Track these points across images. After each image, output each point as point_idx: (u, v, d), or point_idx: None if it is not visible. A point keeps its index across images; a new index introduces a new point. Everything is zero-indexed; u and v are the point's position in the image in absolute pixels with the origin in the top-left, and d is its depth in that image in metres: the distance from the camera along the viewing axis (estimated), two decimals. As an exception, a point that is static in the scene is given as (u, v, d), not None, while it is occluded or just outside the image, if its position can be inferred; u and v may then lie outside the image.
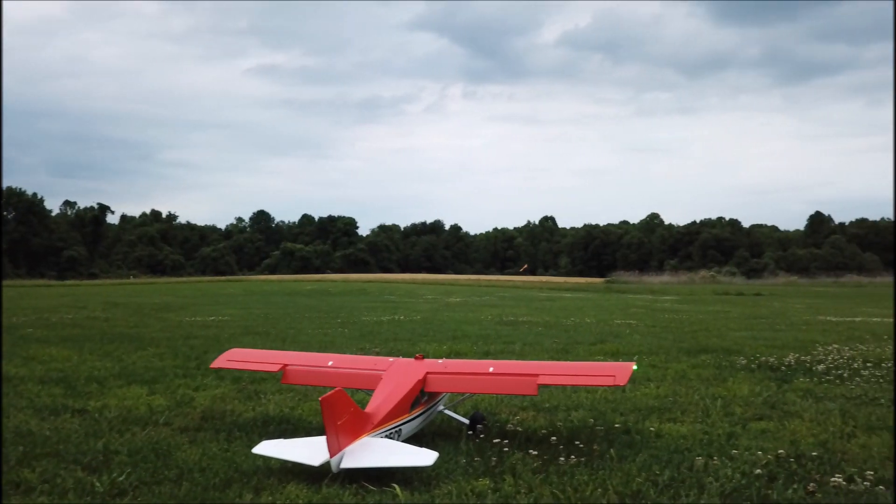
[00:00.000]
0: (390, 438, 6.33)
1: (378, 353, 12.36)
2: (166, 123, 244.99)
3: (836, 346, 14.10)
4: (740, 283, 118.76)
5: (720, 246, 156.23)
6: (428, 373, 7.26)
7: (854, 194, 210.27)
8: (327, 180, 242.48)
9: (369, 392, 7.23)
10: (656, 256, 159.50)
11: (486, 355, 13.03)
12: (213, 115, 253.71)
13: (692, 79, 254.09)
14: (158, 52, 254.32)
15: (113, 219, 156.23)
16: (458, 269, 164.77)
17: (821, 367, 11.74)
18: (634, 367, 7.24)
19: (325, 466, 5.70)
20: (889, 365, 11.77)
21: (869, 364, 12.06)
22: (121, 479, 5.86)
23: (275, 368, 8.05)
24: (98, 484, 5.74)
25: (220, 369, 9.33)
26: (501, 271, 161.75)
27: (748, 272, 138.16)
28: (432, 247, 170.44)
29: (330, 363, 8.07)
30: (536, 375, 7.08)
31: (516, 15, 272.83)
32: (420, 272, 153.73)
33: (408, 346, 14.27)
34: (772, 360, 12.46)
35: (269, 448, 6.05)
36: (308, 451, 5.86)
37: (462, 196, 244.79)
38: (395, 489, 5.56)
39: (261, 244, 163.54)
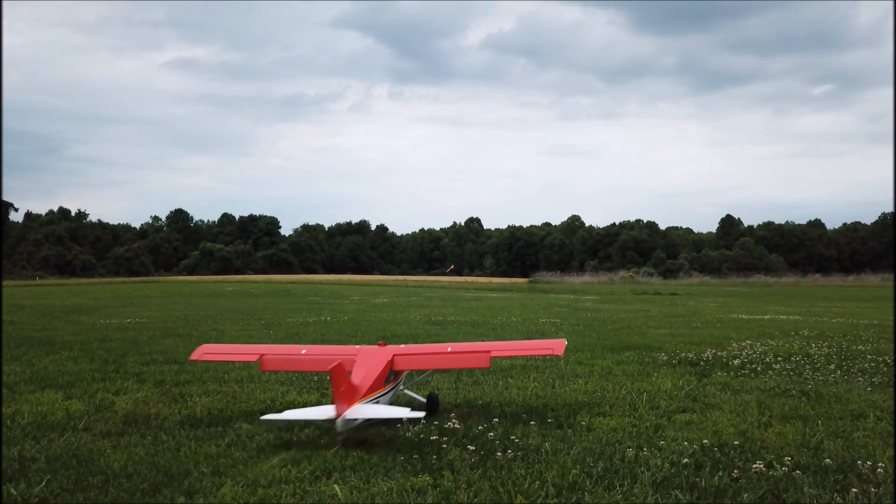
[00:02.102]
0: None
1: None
2: (76, 117, 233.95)
3: (748, 342, 14.86)
4: (657, 283, 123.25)
5: (638, 247, 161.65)
6: (395, 354, 8.26)
7: (761, 198, 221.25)
8: (248, 178, 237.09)
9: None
10: (577, 257, 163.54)
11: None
12: (126, 110, 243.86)
13: (612, 85, 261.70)
14: (68, 42, 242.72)
15: (17, 216, 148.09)
16: (385, 269, 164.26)
17: (736, 361, 12.34)
18: (566, 342, 8.62)
19: (332, 424, 6.78)
20: (798, 359, 12.48)
21: (780, 358, 12.72)
22: (39, 487, 5.56)
23: (253, 358, 8.72)
24: (14, 492, 5.43)
25: (138, 374, 9.41)
26: (428, 272, 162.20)
27: (665, 272, 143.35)
28: (358, 247, 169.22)
29: (303, 351, 8.92)
30: (489, 352, 8.23)
31: (441, 16, 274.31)
32: (345, 273, 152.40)
33: (338, 347, 14.21)
34: (691, 355, 13.01)
35: (276, 416, 7.07)
36: (316, 414, 7.03)
37: (388, 196, 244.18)
38: (335, 489, 5.51)
39: (178, 244, 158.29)
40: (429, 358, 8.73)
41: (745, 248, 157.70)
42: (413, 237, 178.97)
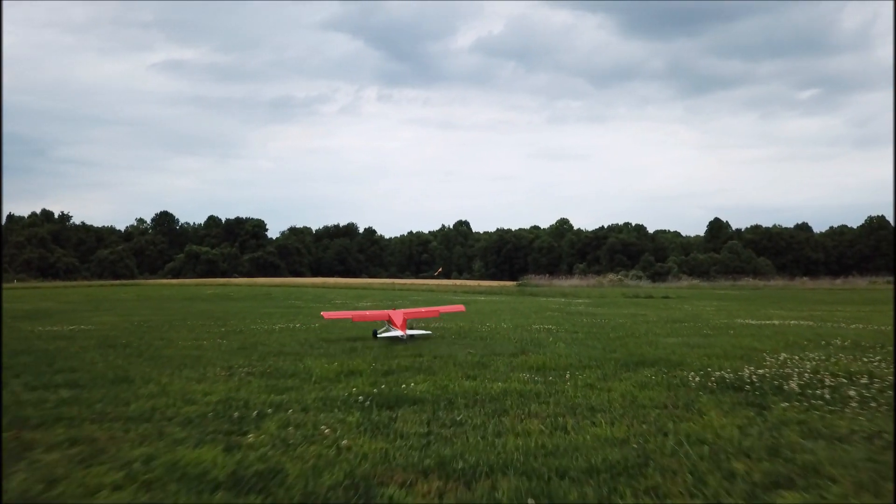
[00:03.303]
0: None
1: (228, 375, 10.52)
2: (62, 118, 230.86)
3: (784, 355, 12.36)
4: (647, 286, 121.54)
5: (626, 250, 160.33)
6: (405, 313, 16.35)
7: (748, 202, 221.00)
8: (236, 180, 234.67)
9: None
10: (566, 260, 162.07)
11: (385, 375, 10.67)
12: (114, 111, 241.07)
13: (601, 88, 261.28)
14: (55, 43, 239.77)
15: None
16: (373, 272, 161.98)
17: (793, 385, 9.53)
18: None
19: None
20: (865, 380, 9.90)
21: (842, 380, 10.00)
22: None
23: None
24: None
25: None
26: (416, 275, 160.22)
27: (653, 276, 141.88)
28: (346, 250, 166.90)
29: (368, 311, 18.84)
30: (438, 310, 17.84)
31: (431, 19, 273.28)
32: (333, 276, 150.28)
33: (291, 363, 11.76)
34: (727, 375, 10.34)
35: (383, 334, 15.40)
36: (397, 333, 15.22)
37: (376, 199, 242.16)
38: None
39: (164, 247, 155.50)
40: (420, 313, 17.54)
41: (733, 252, 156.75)
42: (401, 240, 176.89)
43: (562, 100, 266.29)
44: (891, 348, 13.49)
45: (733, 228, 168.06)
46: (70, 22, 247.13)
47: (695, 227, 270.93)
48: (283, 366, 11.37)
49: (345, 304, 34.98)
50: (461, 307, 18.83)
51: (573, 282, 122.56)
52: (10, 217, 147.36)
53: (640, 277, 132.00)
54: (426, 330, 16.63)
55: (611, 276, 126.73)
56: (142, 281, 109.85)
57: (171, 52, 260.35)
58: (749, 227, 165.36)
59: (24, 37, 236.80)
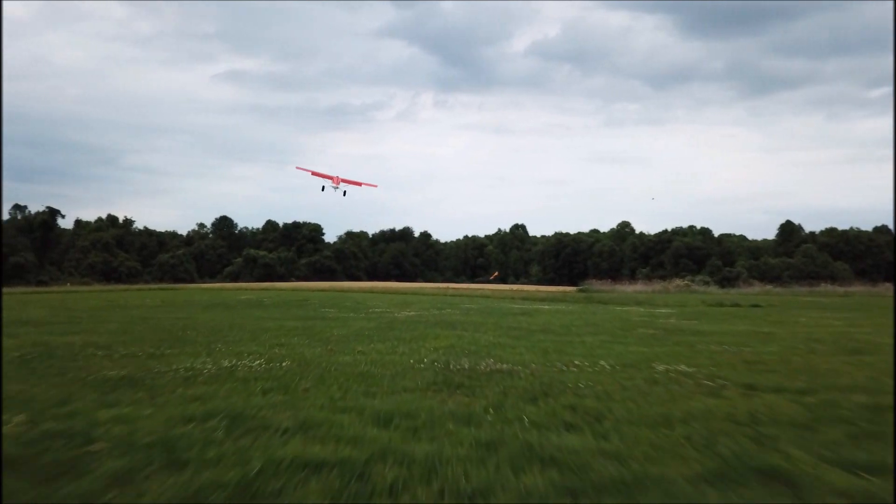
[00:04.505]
0: None
1: None
2: (130, 128, 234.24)
3: None
4: (716, 291, 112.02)
5: (692, 254, 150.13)
6: None
7: (816, 204, 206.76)
8: (293, 186, 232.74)
9: None
10: (628, 265, 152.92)
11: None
12: (178, 120, 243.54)
13: (659, 90, 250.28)
14: (123, 55, 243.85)
15: (68, 224, 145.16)
16: (428, 277, 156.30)
17: None
18: None
19: None
20: None
21: None
22: None
23: None
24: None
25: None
26: (472, 279, 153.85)
27: (721, 281, 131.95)
28: (401, 254, 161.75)
29: None
30: None
31: (486, 24, 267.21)
32: (389, 280, 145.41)
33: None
34: None
35: None
36: None
37: (431, 203, 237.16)
38: None
39: (223, 251, 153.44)
40: None
41: (807, 256, 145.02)
42: (457, 244, 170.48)
43: (618, 103, 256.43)
44: None
45: (806, 231, 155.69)
46: (137, 35, 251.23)
47: (761, 230, 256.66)
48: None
49: (384, 312, 28.75)
50: None
51: (637, 287, 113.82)
52: (78, 222, 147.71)
53: (707, 283, 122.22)
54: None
55: (677, 281, 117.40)
56: (199, 285, 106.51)
57: (232, 62, 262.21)
58: (824, 229, 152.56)
59: (93, 51, 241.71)
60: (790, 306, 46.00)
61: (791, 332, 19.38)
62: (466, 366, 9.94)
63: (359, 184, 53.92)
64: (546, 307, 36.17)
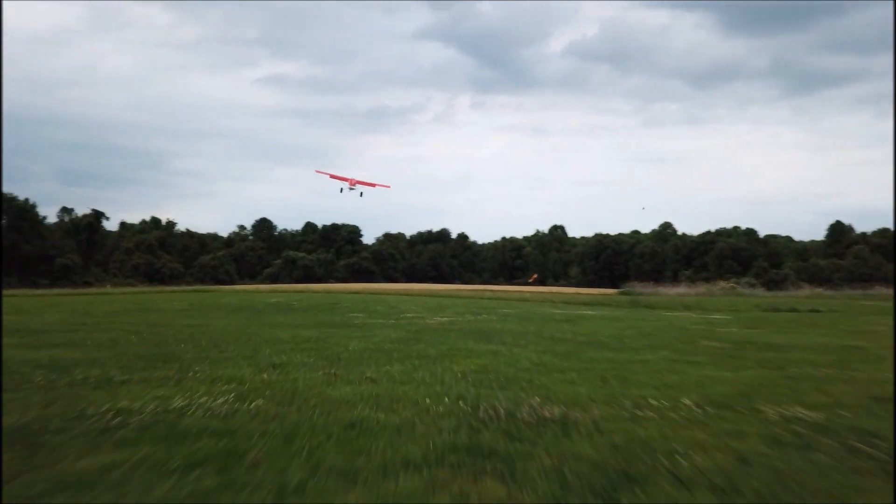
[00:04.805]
0: None
1: None
2: (175, 132, 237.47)
3: None
4: (764, 294, 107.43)
5: (737, 256, 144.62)
6: None
7: (866, 205, 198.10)
8: (332, 189, 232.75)
9: None
10: (670, 266, 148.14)
11: None
12: (220, 124, 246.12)
13: (700, 89, 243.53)
14: (168, 61, 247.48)
15: (113, 226, 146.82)
16: (466, 278, 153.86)
17: None
18: None
19: None
20: None
21: None
22: None
23: None
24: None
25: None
26: (510, 281, 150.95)
27: (768, 283, 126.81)
28: (438, 256, 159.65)
29: None
30: None
31: (523, 25, 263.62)
32: (426, 282, 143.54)
33: None
34: None
35: None
36: None
37: (469, 205, 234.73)
38: None
39: (263, 252, 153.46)
40: None
41: (859, 257, 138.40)
42: (494, 246, 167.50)
43: (658, 102, 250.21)
44: None
45: (857, 232, 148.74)
46: (181, 41, 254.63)
47: (808, 231, 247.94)
48: None
49: (415, 317, 26.43)
50: None
51: (680, 289, 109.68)
52: (123, 224, 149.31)
53: (753, 285, 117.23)
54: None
55: (722, 283, 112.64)
56: (218, 287, 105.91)
57: (272, 66, 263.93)
58: (877, 230, 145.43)
59: (139, 57, 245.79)
60: (852, 312, 42.26)
61: (883, 346, 16.37)
62: (502, 409, 7.14)
63: (373, 185, 55.67)
64: (590, 312, 33.38)
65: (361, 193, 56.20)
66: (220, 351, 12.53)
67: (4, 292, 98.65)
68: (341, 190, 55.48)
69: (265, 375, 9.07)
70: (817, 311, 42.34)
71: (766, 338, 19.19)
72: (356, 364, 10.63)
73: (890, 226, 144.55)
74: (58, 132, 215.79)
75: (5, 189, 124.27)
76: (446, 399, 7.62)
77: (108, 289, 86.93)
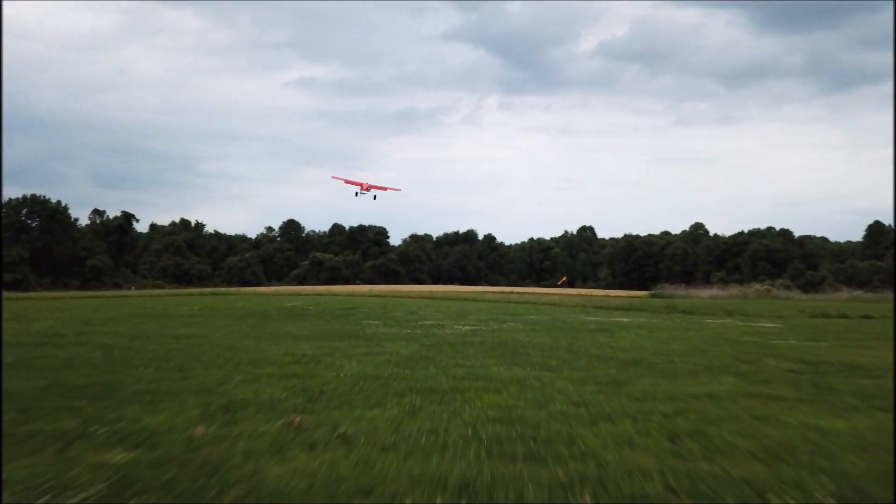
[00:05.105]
0: None
1: None
2: (207, 135, 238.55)
3: None
4: (800, 297, 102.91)
5: (771, 257, 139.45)
6: None
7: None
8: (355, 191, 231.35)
9: None
10: (701, 268, 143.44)
11: None
12: (251, 127, 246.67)
13: (732, 88, 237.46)
14: (200, 66, 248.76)
15: (144, 227, 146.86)
16: (493, 280, 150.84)
17: None
18: None
19: None
20: None
21: None
22: None
23: None
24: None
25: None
26: (538, 283, 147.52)
27: (804, 285, 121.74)
28: (465, 257, 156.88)
29: None
30: None
31: (552, 25, 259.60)
32: (452, 284, 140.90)
33: None
34: None
35: None
36: None
37: (497, 206, 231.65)
38: None
39: (290, 254, 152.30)
40: None
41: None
42: (521, 247, 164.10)
43: (688, 102, 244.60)
44: None
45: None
46: (213, 46, 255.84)
47: (844, 231, 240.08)
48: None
49: (434, 326, 23.84)
50: None
51: (713, 292, 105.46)
52: (153, 226, 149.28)
53: (789, 287, 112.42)
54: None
55: (756, 285, 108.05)
56: (239, 289, 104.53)
57: (302, 69, 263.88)
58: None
59: (173, 62, 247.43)
60: (911, 318, 38.53)
61: None
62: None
63: (384, 188, 57.25)
64: (625, 319, 30.40)
65: (375, 196, 57.64)
66: (181, 378, 10.02)
67: (29, 294, 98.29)
68: (356, 194, 57.11)
69: (199, 429, 6.50)
70: (870, 318, 38.77)
71: (841, 355, 16.15)
72: (338, 403, 8.00)
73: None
74: (93, 136, 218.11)
75: (39, 191, 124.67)
76: (450, 480, 4.85)
77: (129, 291, 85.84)
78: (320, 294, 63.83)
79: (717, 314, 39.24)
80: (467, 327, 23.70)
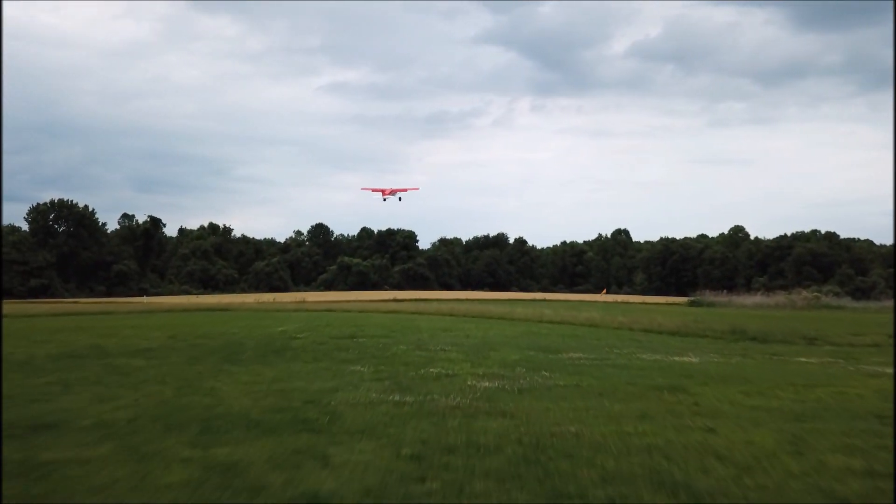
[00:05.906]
0: None
1: None
2: (241, 140, 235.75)
3: None
4: (851, 305, 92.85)
5: (816, 262, 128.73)
6: None
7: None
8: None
9: None
10: (742, 273, 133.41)
11: None
12: (284, 131, 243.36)
13: (769, 88, 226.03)
14: (235, 72, 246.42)
15: (172, 231, 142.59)
16: (524, 285, 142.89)
17: None
18: None
19: None
20: None
21: None
22: None
23: None
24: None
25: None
26: (570, 288, 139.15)
27: (854, 292, 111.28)
28: (495, 261, 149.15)
29: None
30: None
31: (584, 26, 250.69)
32: (482, 289, 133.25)
33: None
34: None
35: None
36: None
37: (528, 209, 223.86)
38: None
39: (318, 258, 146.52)
40: None
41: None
42: (554, 251, 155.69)
43: (724, 102, 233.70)
44: None
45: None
46: (247, 52, 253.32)
47: (888, 234, 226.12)
48: None
49: (442, 377, 16.71)
50: None
51: (756, 299, 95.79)
52: (181, 230, 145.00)
53: (838, 294, 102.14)
54: None
55: (804, 292, 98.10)
56: (238, 304, 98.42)
57: (334, 74, 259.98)
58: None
59: (208, 68, 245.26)
60: None
61: None
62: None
63: (403, 189, 60.69)
64: (695, 360, 22.63)
65: (400, 198, 59.90)
66: None
67: (58, 300, 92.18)
68: (384, 199, 60.31)
69: None
70: None
71: None
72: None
73: None
74: (131, 141, 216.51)
75: (70, 196, 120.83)
76: None
77: (142, 299, 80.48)
78: (331, 307, 57.16)
79: (796, 342, 31.23)
80: (485, 383, 16.39)
